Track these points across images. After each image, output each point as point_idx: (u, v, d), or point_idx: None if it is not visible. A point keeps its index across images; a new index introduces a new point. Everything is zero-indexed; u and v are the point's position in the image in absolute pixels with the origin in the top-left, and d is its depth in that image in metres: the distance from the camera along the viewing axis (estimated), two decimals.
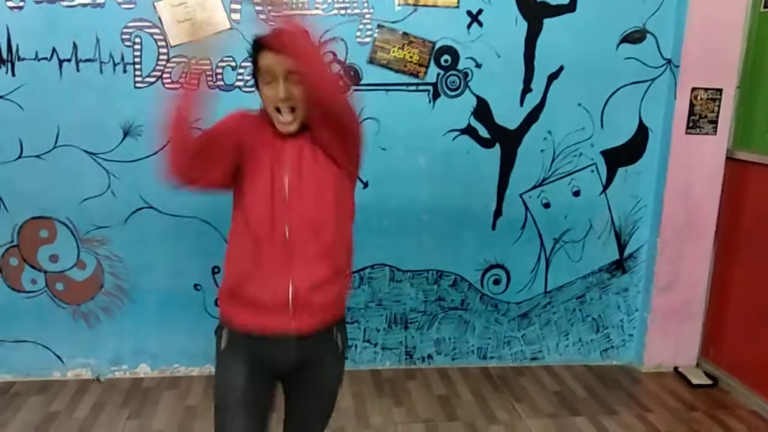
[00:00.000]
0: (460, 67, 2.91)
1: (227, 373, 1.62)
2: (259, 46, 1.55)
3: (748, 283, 3.04)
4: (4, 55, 2.66)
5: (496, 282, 3.17)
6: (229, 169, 1.57)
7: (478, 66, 2.92)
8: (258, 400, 1.62)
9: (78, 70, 2.71)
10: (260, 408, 1.63)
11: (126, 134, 2.79)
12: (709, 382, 3.12)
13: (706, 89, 3.00)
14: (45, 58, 2.69)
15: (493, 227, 3.10)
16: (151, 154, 2.81)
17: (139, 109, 2.76)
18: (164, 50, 2.74)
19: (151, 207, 2.87)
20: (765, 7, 2.94)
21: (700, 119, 3.02)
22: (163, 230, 2.88)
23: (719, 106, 3.02)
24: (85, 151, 2.79)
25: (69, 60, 2.70)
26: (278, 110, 1.55)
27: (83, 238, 2.86)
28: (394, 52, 2.86)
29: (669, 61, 3.02)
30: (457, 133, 2.98)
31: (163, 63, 2.75)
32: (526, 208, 3.10)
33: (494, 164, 3.03)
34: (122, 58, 2.73)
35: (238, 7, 2.74)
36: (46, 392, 2.85)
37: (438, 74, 2.90)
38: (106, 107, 2.76)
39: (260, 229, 1.55)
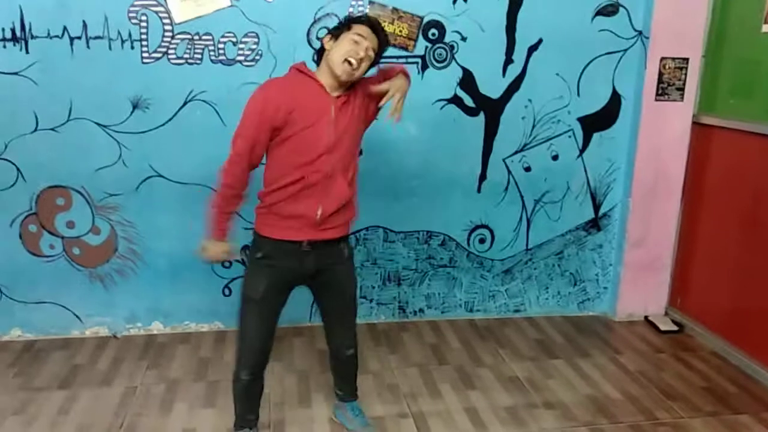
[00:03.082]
0: (446, 40, 3.11)
1: (258, 276, 2.12)
2: (361, 19, 2.06)
3: (711, 238, 3.32)
4: (18, 33, 2.82)
5: (482, 241, 3.42)
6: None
7: (464, 39, 3.12)
8: (274, 300, 2.16)
9: (88, 46, 2.87)
10: (274, 308, 2.18)
11: (135, 107, 2.97)
12: (676, 328, 3.42)
13: (674, 59, 3.24)
14: (57, 36, 2.84)
15: (479, 190, 3.34)
16: (159, 126, 3.00)
17: (147, 83, 2.94)
18: (169, 27, 2.90)
19: (160, 175, 3.06)
20: None
21: (668, 87, 3.26)
22: (171, 197, 3.09)
23: (686, 75, 3.26)
24: (97, 124, 2.97)
25: (79, 37, 2.86)
26: (348, 62, 1.98)
27: (97, 206, 3.06)
28: (384, 26, 3.03)
29: (640, 33, 3.24)
30: (444, 102, 3.20)
31: (168, 39, 2.92)
32: (509, 171, 3.34)
33: (479, 131, 3.26)
34: (129, 35, 2.89)
35: None
36: (67, 348, 3.08)
37: (426, 47, 3.10)
38: (116, 82, 2.93)
39: (307, 168, 2.01)
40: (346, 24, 2.06)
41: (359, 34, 2.00)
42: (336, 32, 2.05)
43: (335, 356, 2.42)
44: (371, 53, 2.04)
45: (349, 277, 2.28)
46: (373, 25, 2.07)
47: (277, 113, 1.98)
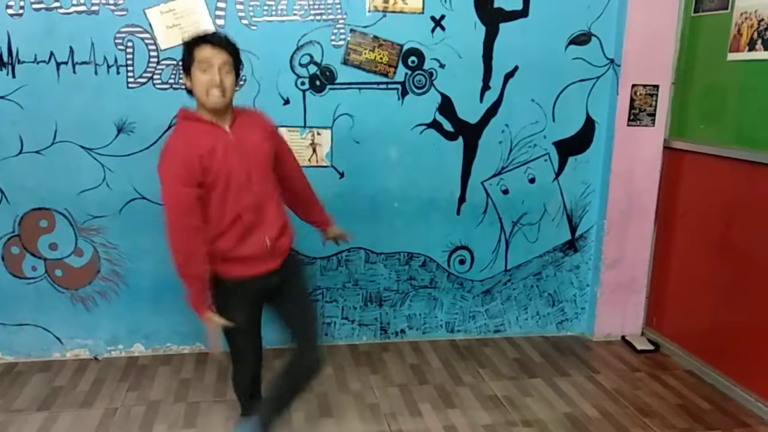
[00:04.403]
0: (425, 67, 3.21)
1: (233, 311, 2.11)
2: (198, 40, 1.98)
3: (685, 259, 3.40)
4: (5, 58, 2.87)
5: (462, 262, 3.48)
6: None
7: (442, 66, 3.22)
8: (255, 323, 2.24)
9: (74, 72, 2.93)
10: (257, 328, 2.26)
11: (119, 131, 3.02)
12: (652, 347, 3.49)
13: (644, 86, 3.36)
14: (43, 61, 2.90)
15: (458, 212, 3.42)
16: (143, 149, 3.05)
17: (132, 107, 3.00)
18: (154, 53, 2.97)
19: (144, 198, 3.10)
20: (695, 12, 3.30)
21: (640, 112, 3.38)
22: (154, 219, 3.08)
23: (656, 101, 3.38)
24: (82, 147, 3.01)
25: (66, 63, 2.92)
26: (212, 92, 1.97)
27: (81, 228, 3.09)
28: (365, 54, 3.14)
29: (611, 61, 3.37)
30: (424, 127, 3.28)
31: (154, 65, 2.98)
32: (487, 194, 3.42)
33: (458, 155, 3.34)
34: (116, 61, 2.95)
35: (222, 13, 2.99)
36: (48, 371, 3.07)
37: (406, 74, 3.20)
38: (101, 106, 2.98)
39: (238, 205, 2.03)
40: (188, 53, 1.99)
41: (204, 60, 1.95)
42: (185, 66, 2.01)
43: (295, 367, 2.19)
44: (227, 69, 1.98)
45: (304, 281, 2.36)
46: (212, 40, 1.98)
47: (192, 168, 1.94)
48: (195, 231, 2.00)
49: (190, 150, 1.96)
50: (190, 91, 2.05)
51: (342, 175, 3.24)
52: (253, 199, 2.05)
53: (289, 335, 2.24)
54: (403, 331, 3.51)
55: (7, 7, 2.82)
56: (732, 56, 3.06)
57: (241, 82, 3.06)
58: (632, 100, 3.36)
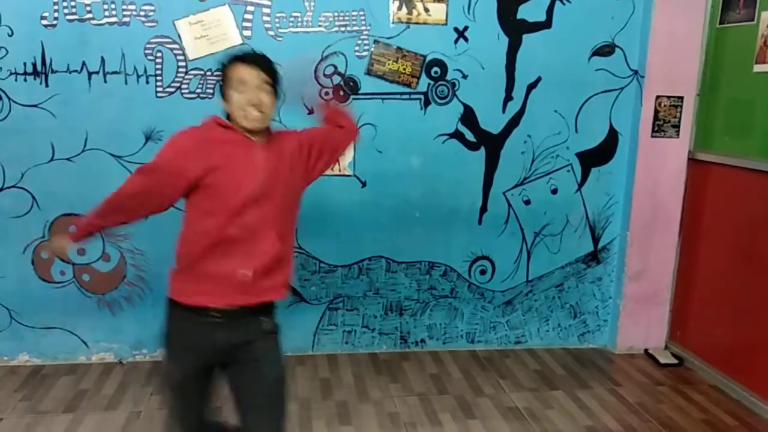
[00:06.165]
0: (448, 78, 3.23)
1: (170, 363, 1.91)
2: (234, 59, 1.80)
3: (709, 272, 3.36)
4: (39, 67, 2.95)
5: (483, 272, 3.48)
6: (181, 195, 1.81)
7: (465, 77, 3.24)
8: (194, 385, 1.89)
9: (105, 81, 3.00)
10: (197, 390, 1.90)
11: (148, 139, 3.08)
12: (675, 361, 3.44)
13: (668, 97, 3.34)
14: (76, 71, 2.98)
15: (480, 222, 3.42)
16: None
17: (160, 116, 3.06)
18: (183, 63, 3.04)
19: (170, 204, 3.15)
20: (721, 23, 3.29)
21: (664, 124, 3.36)
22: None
23: (681, 112, 3.36)
24: (111, 155, 3.08)
25: (97, 72, 3.00)
26: (250, 109, 1.75)
27: (108, 233, 3.15)
28: (389, 64, 3.18)
29: (635, 72, 3.36)
30: (446, 137, 3.30)
31: (182, 75, 3.05)
32: (509, 204, 3.42)
33: (480, 165, 3.35)
34: (145, 71, 3.02)
35: (249, 24, 3.05)
36: (74, 374, 3.13)
37: (428, 84, 3.23)
38: (130, 115, 3.05)
39: (226, 220, 1.74)
40: (223, 74, 1.81)
41: (241, 81, 1.76)
42: (222, 90, 1.83)
43: None
44: (267, 88, 1.78)
45: (271, 355, 1.87)
46: (248, 59, 1.81)
47: (187, 164, 1.75)
48: (144, 199, 1.88)
49: (195, 147, 1.79)
50: (228, 117, 1.83)
51: (364, 184, 3.26)
52: (249, 222, 1.76)
53: (239, 421, 1.88)
54: (423, 340, 3.51)
55: (42, 18, 2.91)
56: (758, 68, 3.03)
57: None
58: (656, 112, 3.34)
